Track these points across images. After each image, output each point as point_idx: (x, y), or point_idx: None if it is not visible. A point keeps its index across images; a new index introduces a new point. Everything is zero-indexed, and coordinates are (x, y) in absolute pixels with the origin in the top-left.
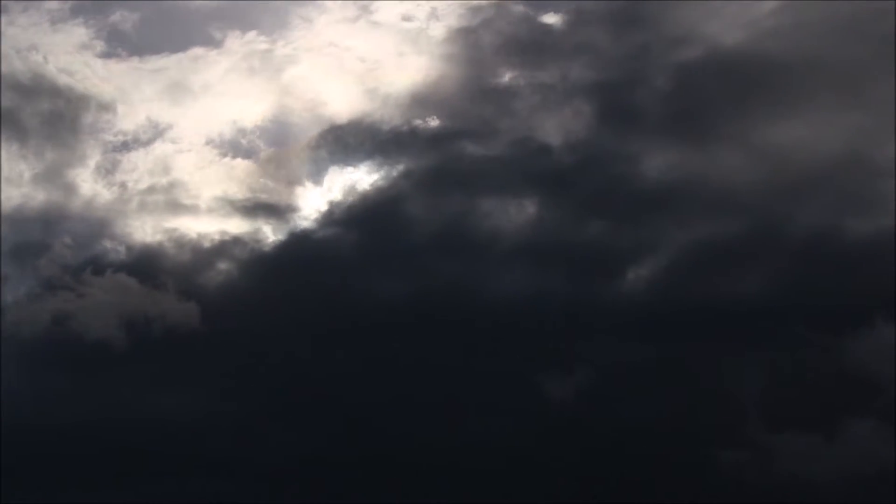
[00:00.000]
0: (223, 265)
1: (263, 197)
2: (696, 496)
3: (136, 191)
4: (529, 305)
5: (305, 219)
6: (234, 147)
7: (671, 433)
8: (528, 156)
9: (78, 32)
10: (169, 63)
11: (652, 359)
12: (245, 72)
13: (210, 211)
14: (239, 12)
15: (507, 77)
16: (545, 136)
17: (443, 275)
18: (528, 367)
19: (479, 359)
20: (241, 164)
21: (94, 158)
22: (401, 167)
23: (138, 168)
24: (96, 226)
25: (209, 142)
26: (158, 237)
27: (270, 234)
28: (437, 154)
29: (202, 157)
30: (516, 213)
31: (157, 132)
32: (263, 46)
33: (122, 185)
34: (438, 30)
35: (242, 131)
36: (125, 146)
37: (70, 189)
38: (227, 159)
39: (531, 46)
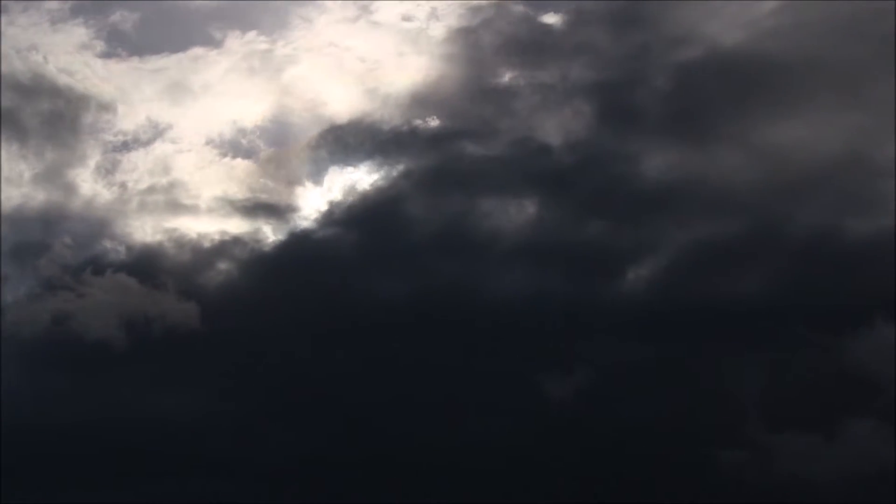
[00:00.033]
0: (223, 265)
1: (263, 197)
2: (696, 496)
3: (136, 191)
4: (529, 305)
5: (305, 219)
6: (234, 147)
7: (671, 433)
8: (528, 156)
9: (78, 32)
10: (169, 63)
11: (652, 359)
12: (245, 72)
13: (210, 211)
14: (239, 12)
15: (507, 77)
16: (545, 136)
17: (443, 275)
18: (527, 367)
19: (479, 359)
20: (241, 164)
21: (94, 158)
22: (401, 167)
23: (138, 168)
24: (96, 226)
25: (209, 142)
26: (158, 237)
27: (270, 234)
28: (437, 154)
29: (202, 157)
30: (516, 213)
31: (157, 132)
32: (263, 46)
33: (122, 185)
34: (438, 30)
35: (242, 131)
36: (125, 146)
37: (70, 189)
38: (227, 159)
39: (531, 46)
